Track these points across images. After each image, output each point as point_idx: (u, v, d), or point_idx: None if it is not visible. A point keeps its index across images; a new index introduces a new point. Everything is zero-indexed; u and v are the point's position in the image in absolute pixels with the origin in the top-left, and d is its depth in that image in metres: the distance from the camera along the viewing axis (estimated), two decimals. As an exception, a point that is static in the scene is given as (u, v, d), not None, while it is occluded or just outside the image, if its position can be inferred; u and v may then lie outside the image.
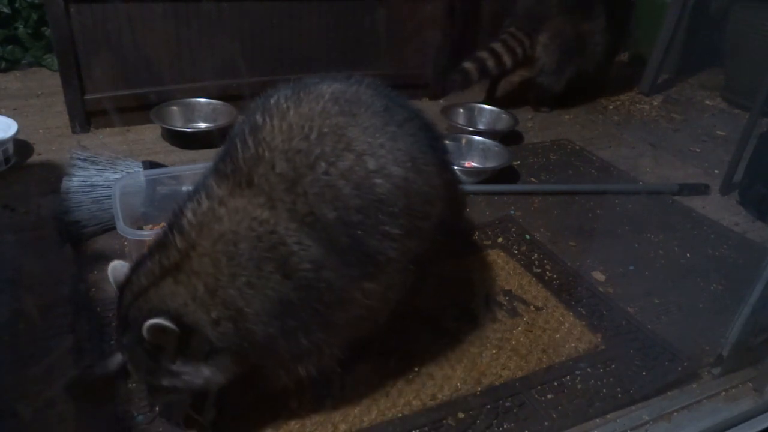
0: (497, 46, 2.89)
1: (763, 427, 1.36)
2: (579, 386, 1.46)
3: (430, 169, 1.26)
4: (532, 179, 2.48)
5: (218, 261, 1.06)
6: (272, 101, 1.22)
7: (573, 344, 1.58)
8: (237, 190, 1.11)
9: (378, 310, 1.24)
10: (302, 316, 1.12)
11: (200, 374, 1.10)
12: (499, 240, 2.01)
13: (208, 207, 1.11)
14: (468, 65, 2.84)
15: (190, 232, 1.09)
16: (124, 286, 1.13)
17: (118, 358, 1.31)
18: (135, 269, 1.13)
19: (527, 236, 2.04)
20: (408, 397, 1.39)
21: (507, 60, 2.89)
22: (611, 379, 1.48)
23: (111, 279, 1.17)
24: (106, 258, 1.67)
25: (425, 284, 1.66)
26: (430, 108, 3.08)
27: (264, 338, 1.10)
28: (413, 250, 1.23)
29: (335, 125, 1.16)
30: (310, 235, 1.09)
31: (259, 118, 1.18)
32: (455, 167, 2.31)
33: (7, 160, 2.17)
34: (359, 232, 1.13)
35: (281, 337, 1.11)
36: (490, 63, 2.86)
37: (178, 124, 2.55)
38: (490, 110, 2.90)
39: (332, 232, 1.11)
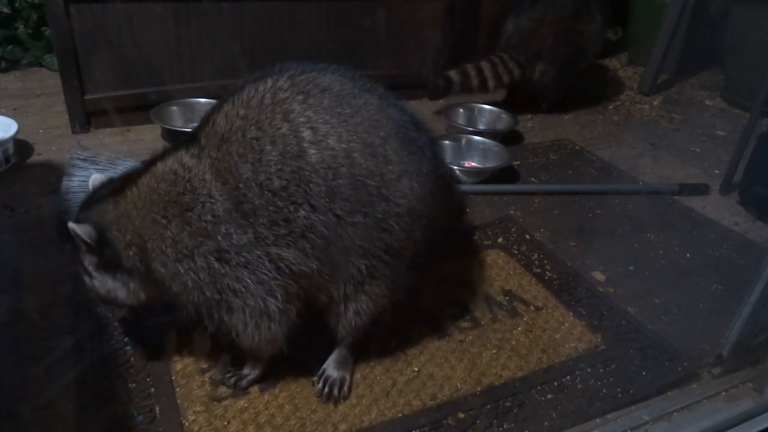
0: (486, 67, 2.86)
1: (763, 427, 1.36)
2: (579, 386, 1.46)
3: (398, 158, 1.24)
4: (532, 179, 2.48)
5: (143, 195, 1.20)
6: (247, 81, 1.27)
7: (573, 344, 1.58)
8: (186, 144, 1.23)
9: (288, 286, 1.22)
10: (197, 266, 1.18)
11: (105, 284, 1.26)
12: (499, 240, 2.01)
13: (165, 152, 1.25)
14: (454, 76, 2.82)
15: (143, 170, 1.24)
16: (92, 191, 1.30)
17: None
18: (105, 185, 1.28)
19: (527, 236, 2.04)
20: (408, 397, 1.39)
21: (491, 84, 2.88)
22: (611, 379, 1.48)
23: (90, 186, 1.31)
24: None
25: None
26: (429, 108, 3.09)
27: (160, 276, 1.21)
28: (358, 233, 1.21)
29: (281, 99, 1.20)
30: (221, 190, 1.16)
31: (228, 95, 1.25)
32: (456, 167, 2.35)
33: (7, 160, 2.17)
34: (277, 199, 1.15)
35: (173, 280, 1.20)
36: (475, 81, 2.84)
37: (178, 124, 2.55)
38: (490, 110, 2.90)
39: (246, 192, 1.15)
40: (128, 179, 1.24)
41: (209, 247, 1.16)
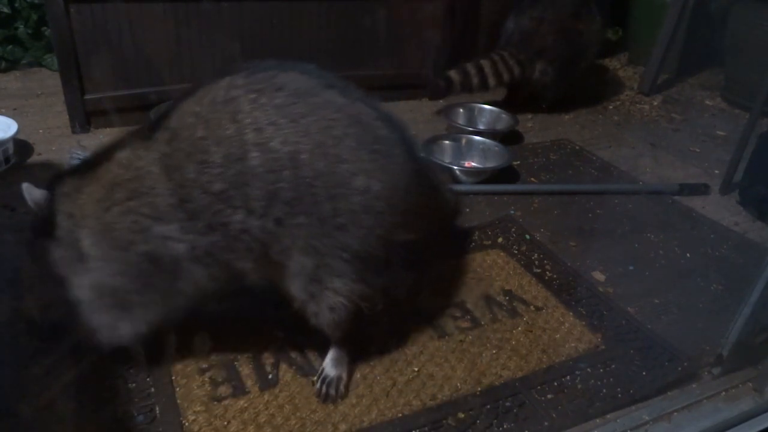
0: (486, 65, 2.85)
1: (763, 427, 1.36)
2: (579, 386, 1.46)
3: (353, 157, 1.21)
4: (532, 179, 2.48)
5: (97, 174, 1.21)
6: (210, 78, 1.27)
7: (573, 344, 1.58)
8: (145, 134, 1.24)
9: (211, 291, 1.24)
10: (127, 257, 1.18)
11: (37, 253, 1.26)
12: (499, 240, 2.01)
13: (127, 138, 1.26)
14: (454, 76, 2.81)
15: (108, 151, 1.25)
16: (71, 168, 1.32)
17: None
18: (85, 162, 1.29)
19: (527, 236, 2.04)
20: (408, 397, 1.39)
21: (492, 82, 2.87)
22: (611, 379, 1.48)
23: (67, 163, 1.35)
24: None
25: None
26: (429, 108, 3.09)
27: (87, 252, 1.21)
28: (302, 233, 1.19)
29: (232, 98, 1.18)
30: (165, 186, 1.16)
31: (190, 91, 1.26)
32: (456, 167, 2.35)
33: (7, 160, 2.17)
34: (216, 202, 1.15)
35: (97, 262, 1.20)
36: (475, 81, 2.84)
37: (178, 124, 2.55)
38: (490, 110, 2.90)
39: (187, 192, 1.15)
40: (93, 159, 1.25)
41: (143, 243, 1.17)
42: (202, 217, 1.16)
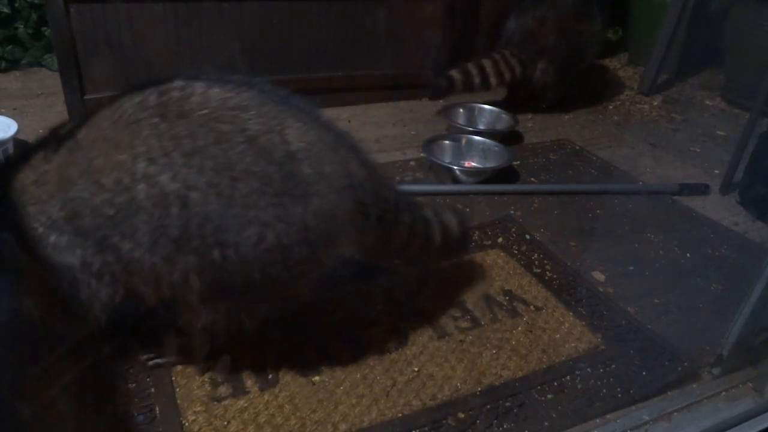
0: (488, 65, 2.84)
1: (763, 427, 1.36)
2: (579, 386, 1.46)
3: (247, 202, 1.12)
4: (532, 179, 2.48)
5: (17, 173, 1.17)
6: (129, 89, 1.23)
7: (573, 344, 1.58)
8: (60, 137, 1.20)
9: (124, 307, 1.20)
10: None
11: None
12: (499, 240, 2.01)
13: (49, 137, 1.23)
14: (456, 76, 2.81)
15: (30, 152, 1.21)
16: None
17: None
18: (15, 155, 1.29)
19: (527, 236, 2.04)
20: (408, 397, 1.39)
21: (493, 81, 2.86)
22: (611, 379, 1.48)
23: None
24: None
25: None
26: (429, 108, 3.09)
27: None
28: (188, 270, 1.14)
29: (135, 119, 1.13)
30: (59, 197, 1.13)
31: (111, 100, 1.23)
32: (456, 167, 2.35)
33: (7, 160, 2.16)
34: (106, 225, 1.12)
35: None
36: (477, 80, 2.83)
37: (178, 124, 2.55)
38: (490, 110, 2.90)
39: (78, 209, 1.12)
40: (21, 154, 1.22)
41: (42, 249, 1.14)
42: (91, 236, 1.12)
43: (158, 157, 1.10)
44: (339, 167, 1.24)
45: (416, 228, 1.49)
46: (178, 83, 1.18)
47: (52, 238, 1.13)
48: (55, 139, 1.18)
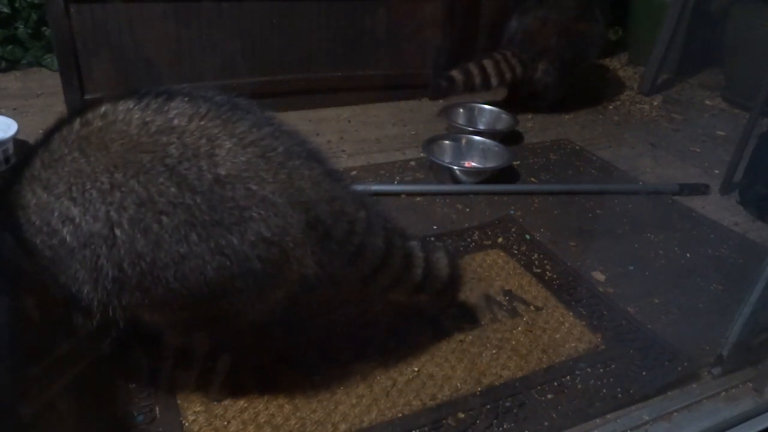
0: (489, 65, 2.84)
1: (763, 427, 1.36)
2: (579, 386, 1.46)
3: (176, 238, 1.06)
4: (532, 179, 2.48)
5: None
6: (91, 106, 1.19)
7: (573, 344, 1.58)
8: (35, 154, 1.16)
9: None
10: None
11: None
12: (499, 240, 2.01)
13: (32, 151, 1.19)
14: (457, 76, 2.81)
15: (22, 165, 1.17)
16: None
17: None
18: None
19: (527, 236, 2.04)
20: (408, 397, 1.39)
21: (494, 81, 2.86)
22: (611, 379, 1.48)
23: None
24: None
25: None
26: (430, 108, 3.09)
27: None
28: (130, 304, 1.12)
29: (62, 153, 1.09)
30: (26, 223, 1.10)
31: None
32: (456, 167, 2.35)
33: (7, 160, 2.16)
34: (54, 263, 1.10)
35: None
36: (477, 80, 2.83)
37: (178, 124, 2.55)
38: (490, 110, 2.90)
39: (38, 242, 1.09)
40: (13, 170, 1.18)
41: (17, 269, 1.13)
42: (51, 266, 1.10)
43: (78, 197, 1.05)
44: (284, 185, 1.12)
45: (392, 257, 1.34)
46: (102, 109, 1.11)
47: (22, 262, 1.12)
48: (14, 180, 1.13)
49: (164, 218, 1.05)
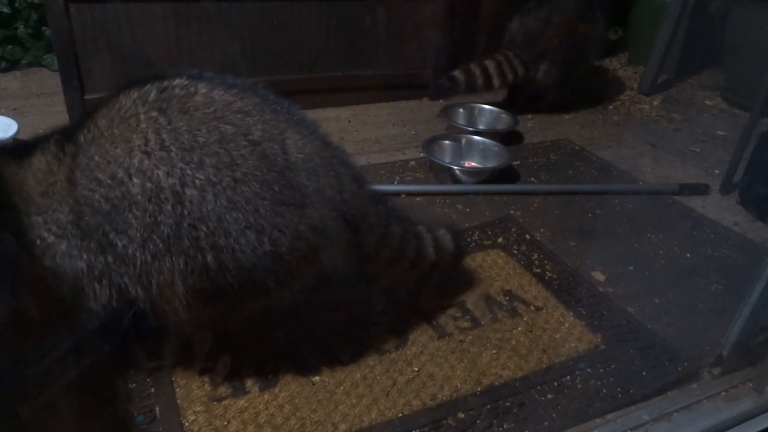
0: (491, 66, 2.85)
1: (763, 427, 1.36)
2: (579, 386, 1.46)
3: (250, 206, 1.11)
4: (532, 179, 2.48)
5: (19, 181, 1.15)
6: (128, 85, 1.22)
7: (573, 344, 1.58)
8: (61, 139, 1.20)
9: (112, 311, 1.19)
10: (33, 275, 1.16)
11: None
12: (499, 240, 2.01)
13: (52, 137, 1.22)
14: (459, 76, 2.81)
15: (34, 149, 1.20)
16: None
17: None
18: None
19: (527, 236, 2.04)
20: (408, 397, 1.39)
21: (496, 82, 2.87)
22: (611, 379, 1.48)
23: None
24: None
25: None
26: (430, 108, 3.09)
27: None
28: (178, 274, 1.12)
29: (133, 113, 1.12)
30: (67, 202, 1.13)
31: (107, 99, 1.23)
32: (456, 167, 2.35)
33: None
34: (105, 223, 1.11)
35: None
36: (479, 81, 2.84)
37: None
38: (490, 110, 2.90)
39: (82, 210, 1.11)
40: (24, 150, 1.19)
41: (49, 259, 1.12)
42: (93, 236, 1.11)
43: (154, 151, 1.08)
44: (332, 181, 1.25)
45: (407, 243, 1.50)
46: (179, 81, 1.17)
47: (63, 246, 1.12)
48: (59, 146, 1.16)
49: (241, 187, 1.10)
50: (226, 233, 1.11)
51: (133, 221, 1.09)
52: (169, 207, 1.08)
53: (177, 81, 1.17)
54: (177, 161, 1.09)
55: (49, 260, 1.13)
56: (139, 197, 1.08)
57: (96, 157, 1.11)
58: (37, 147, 1.18)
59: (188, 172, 1.09)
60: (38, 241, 1.12)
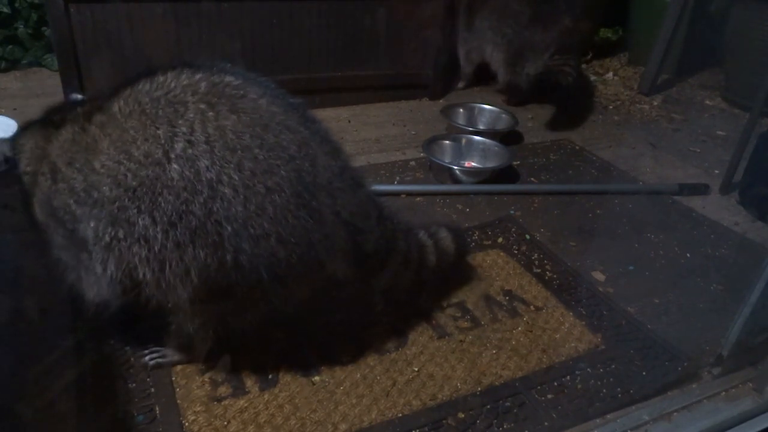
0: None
1: (763, 427, 1.36)
2: (579, 386, 1.46)
3: (276, 217, 1.14)
4: (532, 179, 2.48)
5: (48, 148, 1.22)
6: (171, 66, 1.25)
7: (573, 344, 1.58)
8: (89, 107, 1.23)
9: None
10: (60, 236, 1.20)
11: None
12: (499, 240, 2.01)
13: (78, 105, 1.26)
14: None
15: (64, 118, 1.24)
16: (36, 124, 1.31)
17: None
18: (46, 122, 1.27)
19: (527, 236, 2.04)
20: (408, 397, 1.39)
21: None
22: (611, 379, 1.48)
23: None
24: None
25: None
26: (430, 108, 3.09)
27: (35, 213, 1.24)
28: (194, 265, 1.13)
29: (182, 100, 1.14)
30: (88, 166, 1.15)
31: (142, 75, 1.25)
32: (456, 167, 2.35)
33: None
34: (125, 197, 1.13)
35: (40, 225, 1.24)
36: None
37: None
38: (490, 110, 2.90)
39: (98, 180, 1.13)
40: (56, 122, 1.23)
41: (71, 223, 1.16)
42: (106, 207, 1.12)
43: (199, 143, 1.10)
44: (348, 203, 1.28)
45: (411, 255, 1.54)
46: (230, 79, 1.19)
47: (78, 212, 1.14)
48: (86, 117, 1.18)
49: (272, 196, 1.13)
50: (249, 237, 1.13)
51: (162, 204, 1.09)
52: (201, 199, 1.09)
53: (228, 79, 1.19)
54: (218, 157, 1.10)
55: (70, 224, 1.16)
56: (175, 182, 1.09)
57: (132, 132, 1.12)
58: (68, 118, 1.21)
59: (227, 170, 1.10)
60: (63, 208, 1.16)
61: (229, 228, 1.11)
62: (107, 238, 1.14)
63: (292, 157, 1.17)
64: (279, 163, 1.15)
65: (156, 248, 1.12)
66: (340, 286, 1.41)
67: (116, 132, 1.13)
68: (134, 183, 1.10)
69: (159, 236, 1.11)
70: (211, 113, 1.12)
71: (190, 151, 1.09)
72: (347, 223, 1.28)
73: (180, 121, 1.11)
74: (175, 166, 1.09)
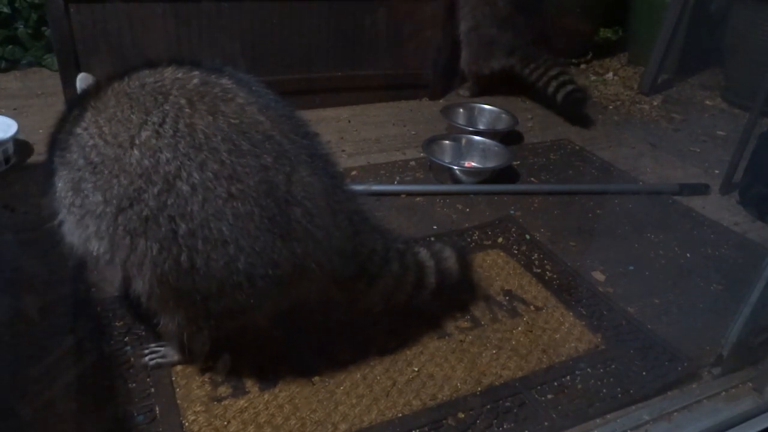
0: None
1: (763, 427, 1.36)
2: (579, 386, 1.46)
3: (242, 233, 1.14)
4: (532, 179, 2.48)
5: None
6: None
7: (573, 344, 1.58)
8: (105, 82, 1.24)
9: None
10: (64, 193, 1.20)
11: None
12: (499, 240, 2.01)
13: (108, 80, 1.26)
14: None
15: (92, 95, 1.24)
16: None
17: None
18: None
19: (527, 236, 2.04)
20: (408, 397, 1.39)
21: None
22: (611, 379, 1.48)
23: (78, 87, 1.31)
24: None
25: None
26: (430, 108, 3.09)
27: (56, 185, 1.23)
28: (148, 262, 1.14)
29: (165, 91, 1.16)
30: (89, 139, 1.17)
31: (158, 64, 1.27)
32: (456, 167, 2.35)
33: (7, 160, 2.17)
34: (91, 173, 1.15)
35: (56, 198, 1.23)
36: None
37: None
38: (490, 110, 2.90)
39: (89, 151, 1.15)
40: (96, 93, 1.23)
41: (77, 187, 1.17)
42: (71, 170, 1.16)
43: (165, 135, 1.11)
44: (326, 221, 1.25)
45: (406, 275, 1.49)
46: (224, 81, 1.19)
47: (56, 161, 1.19)
48: (95, 86, 1.22)
49: (233, 202, 1.12)
50: (204, 239, 1.12)
51: (116, 187, 1.11)
52: (155, 190, 1.10)
53: (223, 81, 1.20)
54: (181, 153, 1.10)
55: (57, 173, 1.20)
56: (132, 168, 1.10)
57: (111, 110, 1.15)
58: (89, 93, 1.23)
59: (188, 167, 1.10)
60: (57, 157, 1.19)
61: (184, 226, 1.11)
62: (67, 202, 1.18)
63: (265, 167, 1.15)
64: (248, 171, 1.13)
65: (103, 227, 1.13)
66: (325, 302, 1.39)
67: (100, 106, 1.16)
68: (96, 159, 1.13)
69: (108, 217, 1.12)
70: (188, 110, 1.13)
71: (154, 141, 1.11)
72: (323, 243, 1.24)
73: (155, 111, 1.12)
74: (136, 152, 1.10)
